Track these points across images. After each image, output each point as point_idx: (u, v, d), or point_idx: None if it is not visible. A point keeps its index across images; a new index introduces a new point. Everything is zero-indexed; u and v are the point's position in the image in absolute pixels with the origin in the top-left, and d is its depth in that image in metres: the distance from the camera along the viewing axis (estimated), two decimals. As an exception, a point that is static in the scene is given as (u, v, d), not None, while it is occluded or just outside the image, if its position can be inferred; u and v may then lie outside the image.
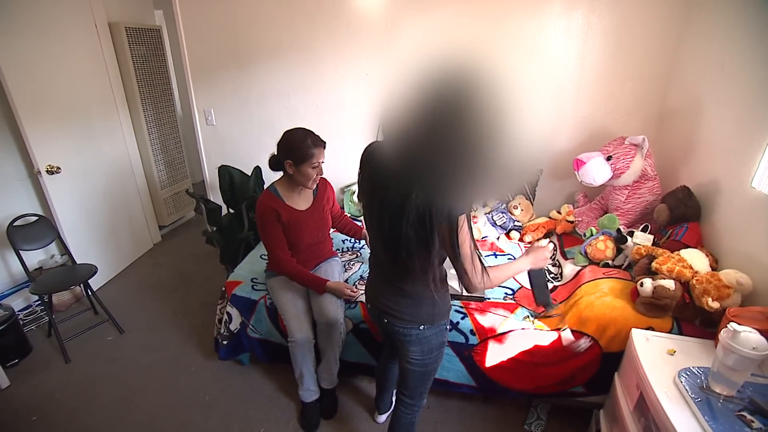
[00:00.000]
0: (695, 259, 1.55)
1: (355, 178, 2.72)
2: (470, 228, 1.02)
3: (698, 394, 1.13)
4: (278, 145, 1.71)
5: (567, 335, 1.59)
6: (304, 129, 1.69)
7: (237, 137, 2.88)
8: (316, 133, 1.69)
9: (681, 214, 1.82)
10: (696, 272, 1.53)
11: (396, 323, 1.22)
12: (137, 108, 3.19)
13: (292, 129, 1.70)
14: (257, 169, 2.71)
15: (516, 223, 2.44)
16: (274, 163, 1.75)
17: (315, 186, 1.79)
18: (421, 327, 1.21)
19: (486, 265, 1.08)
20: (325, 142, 1.70)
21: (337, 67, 2.55)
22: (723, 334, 1.10)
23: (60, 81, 2.53)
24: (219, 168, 2.60)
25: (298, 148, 1.64)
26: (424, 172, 0.94)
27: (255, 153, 2.87)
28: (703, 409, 1.08)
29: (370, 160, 1.13)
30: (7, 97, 2.21)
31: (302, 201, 1.82)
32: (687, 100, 2.05)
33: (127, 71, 3.07)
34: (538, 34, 2.25)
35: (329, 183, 1.95)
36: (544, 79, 2.33)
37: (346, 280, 1.98)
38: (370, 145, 1.15)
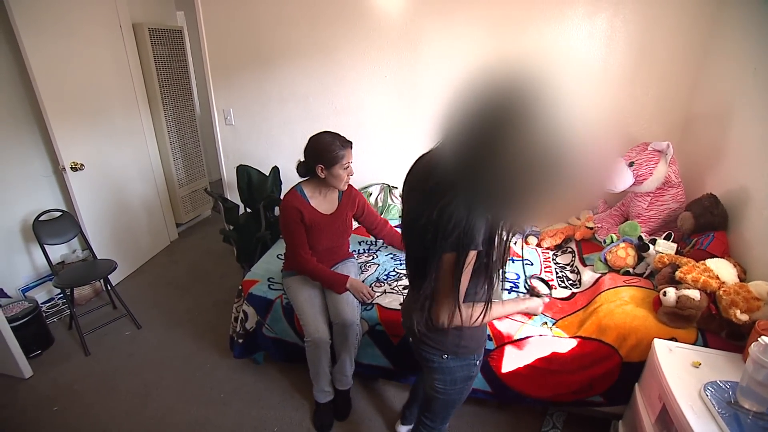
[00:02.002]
0: (722, 269, 1.51)
1: (374, 180, 2.75)
2: (459, 274, 0.93)
3: (725, 409, 1.10)
4: (306, 150, 1.73)
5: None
6: (331, 132, 1.71)
7: (256, 137, 2.91)
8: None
9: (707, 223, 1.78)
10: (723, 283, 1.48)
11: (420, 346, 1.17)
12: (158, 107, 3.25)
13: (318, 133, 1.72)
14: (275, 169, 2.74)
15: (534, 228, 2.41)
16: (304, 169, 1.77)
17: (347, 187, 1.81)
18: (444, 356, 1.14)
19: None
20: (351, 143, 1.72)
21: (356, 69, 2.56)
22: (753, 348, 1.06)
23: (85, 80, 2.59)
24: (237, 167, 2.63)
25: (328, 151, 1.66)
26: (461, 185, 0.87)
27: (273, 153, 2.89)
28: (731, 424, 1.05)
29: (410, 170, 1.11)
30: (36, 96, 2.28)
31: (327, 205, 1.83)
32: (715, 106, 2.00)
33: (149, 71, 3.13)
34: (561, 39, 2.22)
35: (357, 190, 1.95)
36: (564, 83, 2.30)
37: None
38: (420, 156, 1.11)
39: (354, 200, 1.91)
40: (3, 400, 1.95)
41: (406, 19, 2.38)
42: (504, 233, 0.94)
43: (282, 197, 1.79)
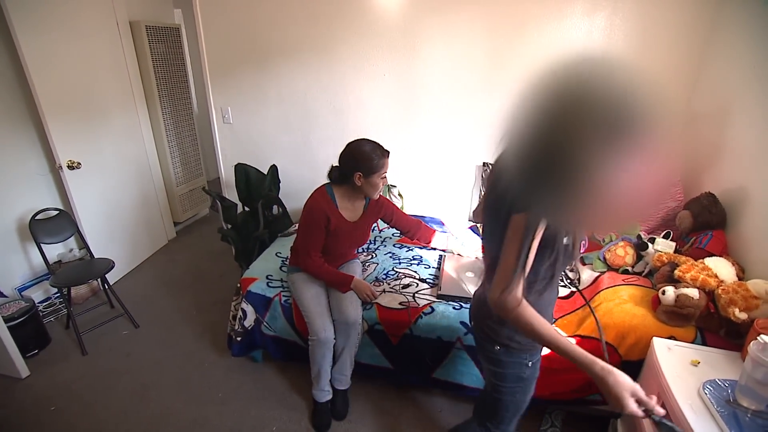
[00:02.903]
0: (721, 268, 1.51)
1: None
2: (528, 241, 0.84)
3: (724, 408, 1.10)
4: (344, 156, 1.71)
5: None
6: (371, 140, 1.70)
7: (253, 136, 2.90)
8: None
9: (705, 222, 1.78)
10: (721, 281, 1.49)
11: (478, 333, 1.16)
12: (155, 105, 3.23)
13: (358, 140, 1.70)
14: (273, 168, 2.73)
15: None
16: (338, 175, 1.74)
17: (379, 196, 1.80)
18: (497, 347, 1.10)
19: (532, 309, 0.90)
20: (389, 152, 1.71)
21: (354, 67, 2.55)
22: (752, 347, 1.07)
23: (82, 78, 2.57)
24: (235, 166, 2.62)
25: (368, 159, 1.65)
26: (531, 163, 0.77)
27: (271, 152, 2.88)
28: (730, 423, 1.05)
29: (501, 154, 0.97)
30: (33, 94, 2.26)
31: (353, 212, 1.82)
32: (714, 104, 2.00)
33: (146, 69, 3.11)
34: (559, 37, 2.21)
35: (384, 197, 1.95)
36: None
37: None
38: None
39: (379, 209, 1.92)
40: (0, 400, 1.93)
41: (404, 17, 2.37)
42: (571, 231, 0.88)
43: (312, 196, 1.76)
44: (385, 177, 1.72)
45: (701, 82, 2.11)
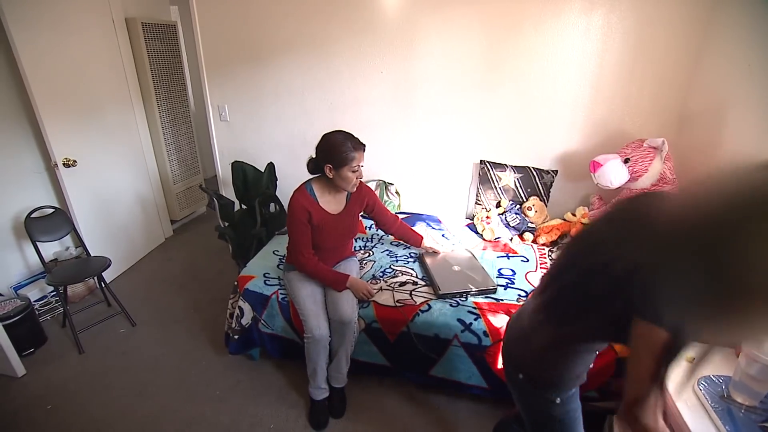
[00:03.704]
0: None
1: (371, 176, 2.73)
2: (668, 362, 0.73)
3: (719, 403, 1.11)
4: (317, 148, 1.70)
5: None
6: (344, 132, 1.68)
7: (250, 133, 2.89)
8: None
9: (700, 219, 1.78)
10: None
11: (504, 351, 1.13)
12: (152, 103, 3.22)
13: (331, 132, 1.69)
14: (270, 166, 2.72)
15: (530, 224, 2.41)
16: (314, 167, 1.74)
17: (355, 189, 1.78)
18: (520, 375, 1.05)
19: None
20: (364, 145, 1.68)
21: (351, 64, 2.55)
22: (745, 348, 1.07)
23: (78, 75, 2.56)
24: (232, 164, 2.62)
25: (337, 152, 1.63)
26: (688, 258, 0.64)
27: (268, 149, 2.88)
28: (724, 418, 1.06)
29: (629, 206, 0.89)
30: (27, 91, 2.25)
31: (335, 204, 1.81)
32: (710, 102, 2.01)
33: (142, 66, 3.10)
34: (557, 35, 2.21)
35: (368, 188, 1.93)
36: (560, 79, 2.31)
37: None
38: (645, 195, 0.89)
39: (362, 199, 1.89)
40: (-4, 399, 1.93)
41: (401, 14, 2.37)
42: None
43: (291, 194, 1.76)
44: (358, 170, 1.68)
45: (697, 81, 2.12)
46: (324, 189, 1.77)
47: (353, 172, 1.67)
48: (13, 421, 1.82)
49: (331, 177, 1.69)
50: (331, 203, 1.79)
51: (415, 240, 2.08)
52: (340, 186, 1.73)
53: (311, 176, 1.80)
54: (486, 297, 1.80)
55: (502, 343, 1.18)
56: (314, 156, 1.73)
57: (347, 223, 1.86)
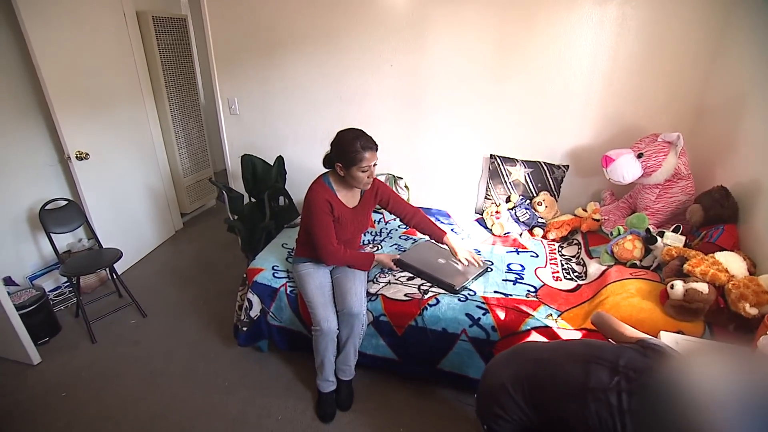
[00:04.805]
0: (732, 263, 1.49)
1: (379, 170, 2.72)
2: None
3: (733, 403, 1.09)
4: (331, 144, 1.70)
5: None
6: (356, 130, 1.66)
7: (260, 127, 2.90)
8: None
9: (716, 215, 1.75)
10: (732, 276, 1.46)
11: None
12: (162, 96, 3.24)
13: (344, 130, 1.68)
14: (280, 159, 2.73)
15: (540, 219, 2.39)
16: (328, 162, 1.75)
17: (368, 187, 1.77)
18: (484, 427, 1.16)
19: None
20: (377, 145, 1.66)
21: (361, 58, 2.53)
22: (763, 341, 1.05)
23: (90, 69, 2.58)
24: (242, 157, 2.63)
25: (348, 151, 1.62)
26: None
27: (277, 142, 2.88)
28: (738, 418, 1.04)
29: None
30: (42, 85, 2.27)
31: (351, 198, 1.82)
32: (728, 96, 1.96)
33: (153, 60, 3.11)
34: (570, 26, 2.17)
35: (381, 182, 1.93)
36: (573, 72, 2.26)
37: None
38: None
39: (376, 195, 1.90)
40: (13, 385, 1.97)
41: (411, 6, 2.34)
42: None
43: (310, 188, 1.75)
44: (368, 170, 1.65)
45: (714, 74, 2.07)
46: (339, 183, 1.77)
47: (363, 172, 1.65)
48: (31, 407, 1.86)
49: (342, 175, 1.69)
50: (347, 197, 1.80)
51: (438, 234, 1.97)
52: (350, 184, 1.73)
53: (325, 170, 1.80)
54: (495, 292, 1.79)
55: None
56: (329, 151, 1.73)
57: (361, 218, 1.87)
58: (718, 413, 0.76)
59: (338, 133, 1.68)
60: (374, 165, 1.67)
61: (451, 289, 1.79)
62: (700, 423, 0.78)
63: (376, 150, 1.66)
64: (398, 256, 1.94)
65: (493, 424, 1.14)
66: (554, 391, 1.04)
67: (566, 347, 1.17)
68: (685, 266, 1.56)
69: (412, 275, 1.92)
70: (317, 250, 1.76)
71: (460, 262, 1.91)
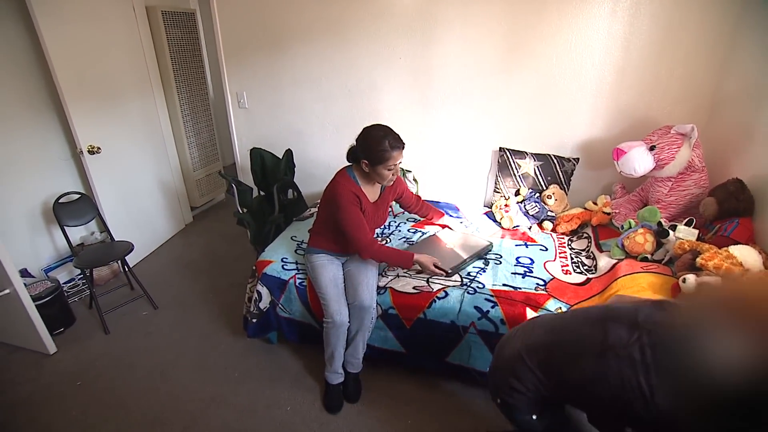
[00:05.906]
0: (747, 257, 1.46)
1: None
2: None
3: (746, 397, 1.07)
4: (357, 139, 1.70)
5: None
6: (385, 127, 1.65)
7: (269, 120, 2.90)
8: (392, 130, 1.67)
9: (731, 209, 1.71)
10: (747, 270, 1.44)
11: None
12: (172, 90, 3.26)
13: (371, 126, 1.67)
14: (288, 152, 2.73)
15: (549, 213, 2.36)
16: (352, 157, 1.75)
17: (391, 183, 1.79)
18: (498, 400, 1.15)
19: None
20: (404, 144, 1.65)
21: (370, 50, 2.52)
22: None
23: (101, 64, 2.60)
24: (251, 150, 2.64)
25: (375, 149, 1.62)
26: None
27: (286, 136, 2.89)
28: (751, 412, 1.02)
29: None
30: (54, 80, 2.30)
31: (372, 193, 1.83)
32: (745, 87, 1.91)
33: (162, 54, 3.13)
34: (581, 16, 2.13)
35: (399, 177, 1.95)
36: (584, 63, 2.23)
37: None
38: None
39: (395, 188, 1.94)
40: (30, 374, 2.03)
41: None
42: None
43: (334, 182, 1.75)
44: (393, 168, 1.66)
45: (731, 64, 2.02)
46: (362, 176, 1.77)
47: (389, 170, 1.66)
48: (47, 395, 1.91)
49: (367, 171, 1.69)
50: (369, 191, 1.81)
51: (438, 215, 2.22)
52: (375, 180, 1.75)
53: (348, 163, 1.80)
54: (504, 285, 1.78)
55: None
56: (354, 145, 1.73)
57: (381, 212, 1.89)
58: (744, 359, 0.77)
59: (365, 129, 1.67)
60: (399, 163, 1.68)
61: (488, 250, 1.99)
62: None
63: (403, 148, 1.66)
64: (438, 262, 1.79)
65: (507, 398, 1.11)
66: (573, 353, 1.01)
67: (582, 312, 1.14)
68: (698, 260, 1.53)
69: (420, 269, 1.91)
70: (351, 243, 1.74)
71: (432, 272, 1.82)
